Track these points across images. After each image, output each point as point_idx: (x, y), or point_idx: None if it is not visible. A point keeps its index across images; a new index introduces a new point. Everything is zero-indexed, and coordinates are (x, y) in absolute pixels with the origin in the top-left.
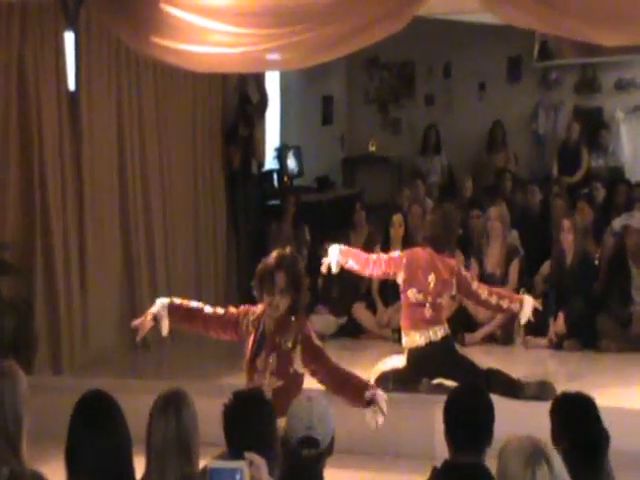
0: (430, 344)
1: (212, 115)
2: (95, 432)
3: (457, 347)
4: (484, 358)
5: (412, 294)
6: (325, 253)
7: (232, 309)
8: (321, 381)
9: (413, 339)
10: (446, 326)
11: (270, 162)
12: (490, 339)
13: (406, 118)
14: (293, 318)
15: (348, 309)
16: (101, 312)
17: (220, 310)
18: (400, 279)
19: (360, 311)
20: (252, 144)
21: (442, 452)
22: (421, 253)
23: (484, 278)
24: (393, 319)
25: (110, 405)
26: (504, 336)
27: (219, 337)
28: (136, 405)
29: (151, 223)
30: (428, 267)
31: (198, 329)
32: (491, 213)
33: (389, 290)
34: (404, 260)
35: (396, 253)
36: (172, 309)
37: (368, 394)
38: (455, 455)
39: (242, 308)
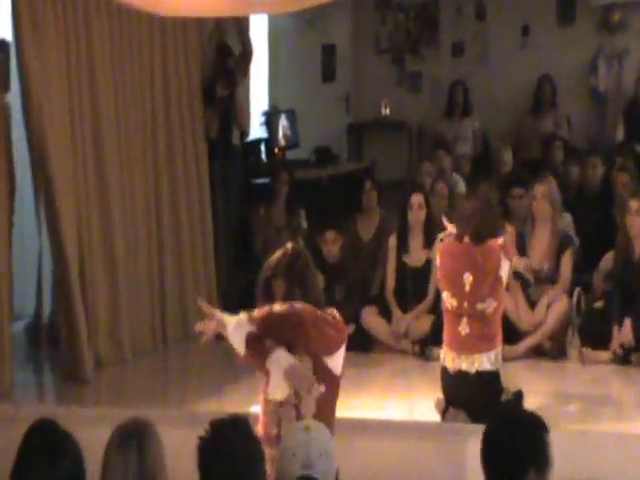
0: (459, 374)
1: (189, 71)
2: (45, 470)
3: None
4: (528, 376)
5: (446, 298)
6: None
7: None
8: None
9: (445, 358)
10: (492, 355)
11: (256, 130)
12: (537, 352)
13: (428, 72)
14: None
15: (356, 315)
16: None
17: None
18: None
19: (371, 318)
20: (233, 107)
21: None
22: (457, 246)
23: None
24: (413, 328)
25: (63, 438)
26: (555, 348)
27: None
28: (88, 439)
29: (109, 212)
30: (463, 262)
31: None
32: (537, 192)
33: (407, 291)
34: (438, 260)
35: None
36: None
37: None
38: None
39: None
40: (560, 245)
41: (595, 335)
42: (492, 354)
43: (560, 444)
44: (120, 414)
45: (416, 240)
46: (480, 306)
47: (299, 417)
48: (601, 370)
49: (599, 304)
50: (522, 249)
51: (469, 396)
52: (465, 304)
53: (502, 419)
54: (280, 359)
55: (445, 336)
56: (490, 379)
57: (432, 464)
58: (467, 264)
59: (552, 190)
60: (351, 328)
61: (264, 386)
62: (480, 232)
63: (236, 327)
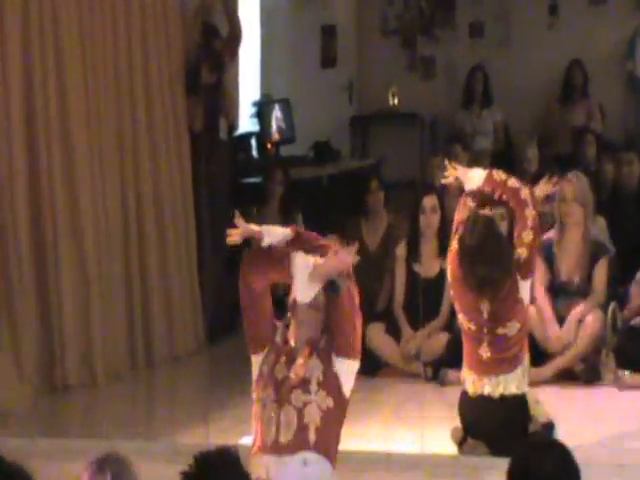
0: (481, 399)
1: (170, 55)
2: None
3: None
4: (557, 404)
5: (464, 321)
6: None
7: None
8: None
9: (465, 380)
10: (519, 372)
11: (246, 123)
12: (567, 376)
13: (442, 57)
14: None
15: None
16: None
17: None
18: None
19: (377, 336)
20: (220, 96)
21: None
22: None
23: (556, 287)
24: (425, 348)
25: (10, 474)
26: (587, 371)
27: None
28: (56, 475)
29: (78, 218)
30: (477, 292)
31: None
32: (566, 193)
33: (419, 305)
34: (450, 267)
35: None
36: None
37: None
38: None
39: None
40: (593, 253)
41: (633, 356)
42: (519, 371)
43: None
44: (92, 447)
45: (429, 247)
46: (501, 330)
47: (300, 423)
48: None
49: (637, 320)
50: (549, 259)
51: (491, 425)
52: (485, 330)
53: (529, 453)
54: (304, 260)
55: (465, 357)
56: (516, 405)
57: None
58: (481, 294)
59: (583, 191)
60: None
61: (256, 384)
62: (487, 272)
63: (272, 232)
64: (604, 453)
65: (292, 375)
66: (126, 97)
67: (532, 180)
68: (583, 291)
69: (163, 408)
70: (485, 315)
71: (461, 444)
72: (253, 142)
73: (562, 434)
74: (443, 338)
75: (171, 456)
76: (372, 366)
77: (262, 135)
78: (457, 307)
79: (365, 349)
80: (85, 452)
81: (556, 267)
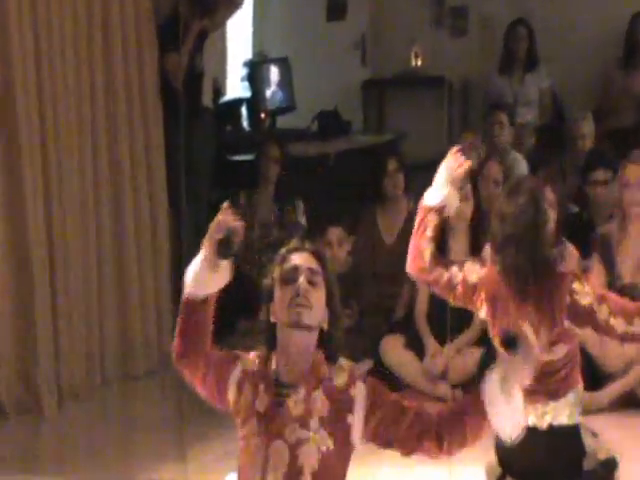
0: (530, 432)
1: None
2: None
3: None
4: (619, 435)
5: (500, 345)
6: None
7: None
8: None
9: None
10: (571, 400)
11: (235, 87)
12: (630, 401)
13: (476, 7)
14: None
15: (373, 348)
16: None
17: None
18: (481, 314)
19: (394, 351)
20: (201, 53)
21: None
22: (506, 285)
23: (616, 292)
24: (453, 366)
25: None
26: None
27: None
28: None
29: (21, 199)
30: (516, 309)
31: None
32: (629, 176)
33: (445, 314)
34: (482, 293)
35: (475, 273)
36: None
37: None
38: None
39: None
40: None
41: None
42: (570, 398)
43: None
44: None
45: (458, 243)
46: (547, 357)
47: (292, 469)
48: None
49: None
50: (608, 257)
51: (537, 462)
52: None
53: None
54: None
55: None
56: (567, 437)
57: None
58: (523, 311)
59: None
60: (368, 365)
61: (241, 425)
62: (527, 266)
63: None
64: None
65: (289, 407)
66: (83, 42)
67: (586, 160)
68: None
69: (129, 438)
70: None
71: None
72: (244, 111)
73: (625, 473)
74: (475, 354)
75: None
76: (388, 386)
77: (255, 102)
78: (491, 329)
79: (380, 366)
80: None
81: (617, 267)
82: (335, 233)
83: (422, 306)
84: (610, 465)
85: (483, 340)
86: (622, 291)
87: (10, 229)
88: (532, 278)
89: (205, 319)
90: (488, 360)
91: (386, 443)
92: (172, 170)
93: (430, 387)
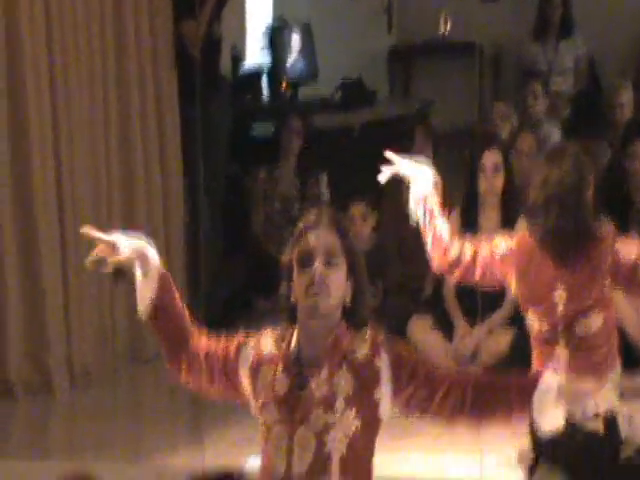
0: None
1: None
2: None
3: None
4: None
5: (533, 320)
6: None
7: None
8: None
9: None
10: (608, 383)
11: (254, 55)
12: None
13: None
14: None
15: (399, 328)
16: None
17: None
18: (512, 289)
19: (422, 332)
20: (219, 19)
21: None
22: (540, 249)
23: None
24: (484, 347)
25: None
26: None
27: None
28: None
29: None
30: (551, 274)
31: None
32: None
33: (476, 293)
34: (512, 264)
35: (504, 243)
36: (165, 279)
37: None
38: None
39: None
40: None
41: None
42: (611, 379)
43: None
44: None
45: (489, 218)
46: (582, 327)
47: (319, 456)
48: None
49: None
50: None
51: (571, 448)
52: (560, 327)
53: None
54: None
55: (535, 364)
56: (605, 423)
57: None
58: (556, 274)
59: None
60: None
61: (261, 411)
62: (569, 228)
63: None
64: None
65: (312, 389)
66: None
67: (625, 131)
68: None
69: (145, 422)
70: (561, 307)
71: (531, 471)
72: (264, 80)
73: None
74: (507, 335)
75: None
76: None
77: (275, 72)
78: (524, 304)
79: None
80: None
81: None
82: (359, 208)
83: (451, 285)
84: None
85: (515, 320)
86: None
87: (19, 208)
88: (575, 239)
89: (168, 325)
90: (520, 341)
91: (418, 413)
92: (188, 143)
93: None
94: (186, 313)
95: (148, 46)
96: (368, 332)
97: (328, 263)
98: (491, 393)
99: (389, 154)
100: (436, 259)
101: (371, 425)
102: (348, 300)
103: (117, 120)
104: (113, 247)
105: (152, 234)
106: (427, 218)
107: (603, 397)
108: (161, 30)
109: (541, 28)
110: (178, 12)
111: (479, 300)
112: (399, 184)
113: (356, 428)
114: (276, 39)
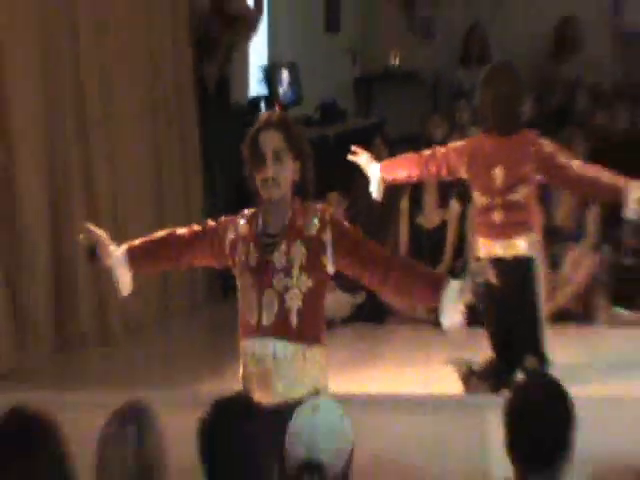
0: (493, 262)
1: (175, 13)
2: (24, 467)
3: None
4: (553, 342)
5: (477, 197)
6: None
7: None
8: (367, 281)
9: (479, 248)
10: (532, 237)
11: (255, 86)
12: (562, 316)
13: (441, 17)
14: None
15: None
16: None
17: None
18: (464, 174)
19: None
20: (230, 59)
21: (501, 472)
22: (485, 141)
23: (550, 232)
24: None
25: (44, 428)
26: (584, 311)
27: (193, 263)
28: (78, 427)
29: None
30: (492, 158)
31: (170, 263)
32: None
33: (423, 255)
34: (466, 151)
35: (458, 143)
36: (132, 256)
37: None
38: (521, 476)
39: (221, 220)
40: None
41: (625, 294)
42: (530, 236)
43: (590, 413)
44: (113, 397)
45: (430, 200)
46: (511, 196)
47: (282, 309)
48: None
49: (629, 261)
50: (546, 205)
51: (503, 285)
52: (497, 199)
53: (525, 389)
54: None
55: (478, 228)
56: (528, 265)
57: (452, 440)
58: (495, 158)
59: (575, 141)
60: (362, 297)
61: (238, 278)
62: (506, 120)
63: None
64: (599, 388)
65: (274, 260)
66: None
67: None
68: (575, 236)
69: (180, 360)
70: (498, 182)
71: (466, 380)
72: (262, 105)
73: (557, 372)
74: None
75: (191, 403)
76: (379, 314)
77: (271, 98)
78: (472, 184)
79: (371, 298)
80: (105, 403)
81: (551, 214)
82: (333, 196)
83: (403, 250)
84: (543, 362)
85: (451, 272)
86: (553, 232)
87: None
88: (510, 128)
89: (155, 268)
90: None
91: (355, 278)
92: (205, 154)
93: (411, 312)
94: (160, 241)
95: (175, 81)
96: (319, 210)
97: (277, 159)
98: (410, 279)
99: (355, 148)
100: (415, 168)
101: (321, 282)
102: (297, 178)
103: (150, 138)
104: (96, 235)
105: (176, 223)
106: (389, 178)
107: (526, 240)
108: (184, 70)
109: (465, 58)
110: (198, 56)
111: (425, 260)
112: (364, 178)
113: (308, 288)
114: (271, 75)
